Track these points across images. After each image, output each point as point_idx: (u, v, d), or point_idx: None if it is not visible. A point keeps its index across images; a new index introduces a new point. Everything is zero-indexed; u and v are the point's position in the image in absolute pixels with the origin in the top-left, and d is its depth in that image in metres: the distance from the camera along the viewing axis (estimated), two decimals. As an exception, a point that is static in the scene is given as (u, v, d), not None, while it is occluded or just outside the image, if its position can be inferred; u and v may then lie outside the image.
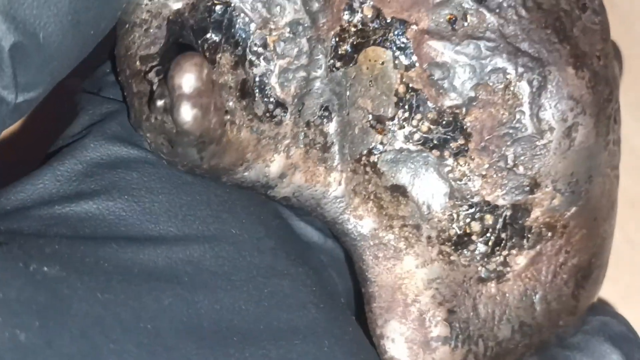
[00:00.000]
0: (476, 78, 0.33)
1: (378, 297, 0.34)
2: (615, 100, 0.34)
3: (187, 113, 0.29)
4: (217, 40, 0.33)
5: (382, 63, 0.33)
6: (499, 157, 0.33)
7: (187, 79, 0.29)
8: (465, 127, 0.33)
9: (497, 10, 0.32)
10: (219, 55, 0.33)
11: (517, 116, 0.32)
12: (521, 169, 0.33)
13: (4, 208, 0.30)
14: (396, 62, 0.33)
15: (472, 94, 0.33)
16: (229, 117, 0.32)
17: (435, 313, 0.34)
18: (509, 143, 0.33)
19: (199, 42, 0.33)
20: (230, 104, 0.33)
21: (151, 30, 0.32)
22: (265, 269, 0.32)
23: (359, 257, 0.34)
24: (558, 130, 0.33)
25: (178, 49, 0.32)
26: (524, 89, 0.32)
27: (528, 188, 0.33)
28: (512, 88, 0.32)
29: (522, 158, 0.33)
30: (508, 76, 0.32)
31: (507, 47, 0.32)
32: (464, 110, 0.33)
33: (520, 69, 0.32)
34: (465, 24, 0.33)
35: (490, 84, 0.32)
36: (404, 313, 0.34)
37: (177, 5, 0.33)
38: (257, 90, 0.33)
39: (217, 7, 0.33)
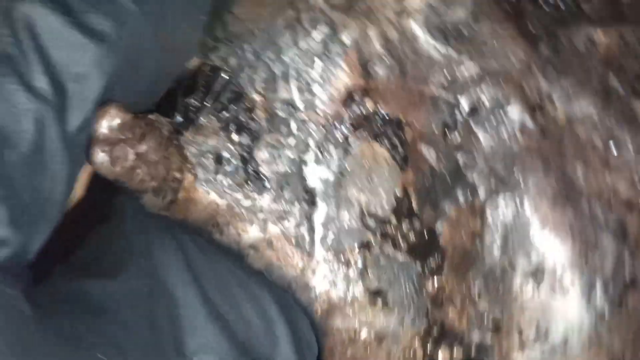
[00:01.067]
0: (449, 191, 0.31)
1: None
2: None
3: (95, 156, 0.30)
4: (204, 104, 0.33)
5: (387, 162, 0.32)
6: (465, 288, 0.31)
7: (97, 125, 0.29)
8: (440, 245, 0.31)
9: (489, 127, 0.31)
10: (202, 117, 0.33)
11: (479, 244, 0.31)
12: (484, 305, 0.31)
13: None
14: (396, 164, 0.32)
15: (445, 207, 0.31)
16: (188, 177, 0.32)
17: None
18: (471, 273, 0.31)
19: (184, 100, 0.33)
20: (203, 166, 0.32)
21: None
22: None
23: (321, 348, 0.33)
24: (522, 271, 0.30)
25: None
26: (487, 215, 0.30)
27: (492, 326, 0.31)
28: (477, 212, 0.31)
29: (484, 292, 0.31)
30: (476, 198, 0.31)
31: (483, 167, 0.31)
32: (438, 225, 0.31)
33: (487, 191, 0.31)
34: (454, 135, 0.31)
35: (460, 203, 0.31)
36: None
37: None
38: (238, 160, 0.33)
39: (217, 75, 0.33)
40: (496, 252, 0.30)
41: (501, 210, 0.30)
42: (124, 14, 0.28)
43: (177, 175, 0.32)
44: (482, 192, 0.30)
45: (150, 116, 0.32)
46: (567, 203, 0.30)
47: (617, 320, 0.30)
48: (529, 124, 0.30)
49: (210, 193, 0.33)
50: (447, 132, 0.31)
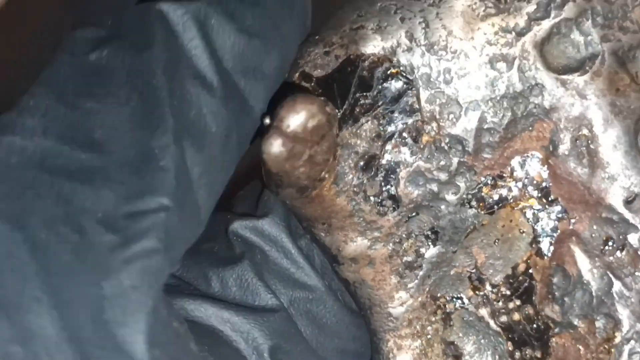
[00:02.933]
0: (588, 309, 0.30)
1: None
2: None
3: (272, 145, 0.28)
4: (375, 104, 0.30)
5: (522, 232, 0.30)
6: None
7: (292, 118, 0.27)
8: (549, 344, 0.30)
9: None
10: (367, 118, 0.30)
11: None
12: None
13: None
14: (535, 242, 0.30)
15: (575, 321, 0.30)
16: (330, 177, 0.30)
17: None
18: None
19: (356, 93, 0.30)
20: (345, 168, 0.30)
21: (329, 57, 0.30)
22: None
23: None
24: None
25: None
26: (622, 356, 0.29)
27: None
28: (612, 344, 0.29)
29: None
30: (617, 331, 0.29)
31: (637, 305, 0.29)
32: (557, 329, 0.30)
33: (634, 333, 0.29)
34: (618, 254, 0.29)
35: (597, 324, 0.29)
36: None
37: (370, 50, 0.30)
38: (381, 172, 0.30)
39: (399, 79, 0.30)
40: None
41: (637, 358, 0.28)
42: None
43: (326, 175, 0.30)
44: (626, 331, 0.28)
45: (328, 109, 0.29)
46: None
47: None
48: None
49: (341, 196, 0.30)
50: (609, 247, 0.29)
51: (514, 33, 0.30)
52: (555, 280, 0.30)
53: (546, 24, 0.30)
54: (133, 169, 0.25)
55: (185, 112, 0.26)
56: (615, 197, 0.29)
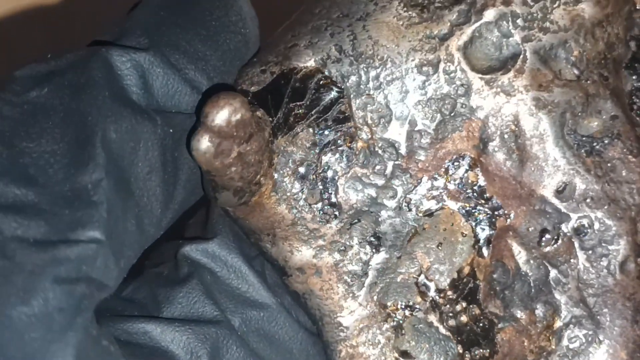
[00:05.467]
0: (527, 299, 0.30)
1: None
2: None
3: (199, 142, 0.28)
4: (308, 113, 0.31)
5: (464, 235, 0.31)
6: None
7: (216, 113, 0.28)
8: (495, 340, 0.30)
9: (591, 253, 0.30)
10: (302, 127, 0.31)
11: None
12: None
13: None
14: (476, 243, 0.31)
15: (517, 313, 0.30)
16: (268, 184, 0.31)
17: None
18: None
19: (289, 103, 0.31)
20: (283, 175, 0.31)
21: (264, 75, 0.31)
22: None
23: None
24: None
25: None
26: (563, 342, 0.29)
27: None
28: (551, 331, 0.30)
29: None
30: (556, 317, 0.30)
31: (573, 291, 0.30)
32: (501, 324, 0.30)
33: (572, 318, 0.29)
34: (551, 246, 0.30)
35: (537, 313, 0.30)
36: None
37: (302, 63, 0.31)
38: (319, 180, 0.31)
39: (330, 88, 0.31)
40: None
41: (578, 343, 0.29)
42: None
43: (262, 180, 0.30)
44: (565, 316, 0.29)
45: (258, 113, 0.30)
46: None
47: None
48: (631, 266, 0.29)
49: (281, 204, 0.31)
50: (545, 239, 0.30)
51: (437, 39, 0.31)
52: (495, 276, 0.30)
53: (468, 29, 0.31)
54: (66, 203, 0.26)
55: (119, 148, 0.27)
56: (546, 189, 0.30)
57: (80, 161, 0.27)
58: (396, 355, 0.31)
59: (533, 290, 0.30)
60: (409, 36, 0.31)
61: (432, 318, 0.31)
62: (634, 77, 0.32)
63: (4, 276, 0.25)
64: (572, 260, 0.30)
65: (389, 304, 0.31)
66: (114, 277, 0.27)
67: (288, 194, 0.31)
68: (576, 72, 0.31)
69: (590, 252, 0.29)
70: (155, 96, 0.29)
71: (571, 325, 0.29)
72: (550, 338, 0.29)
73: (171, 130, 0.29)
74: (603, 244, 0.29)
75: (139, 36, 0.30)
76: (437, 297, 0.31)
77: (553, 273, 0.30)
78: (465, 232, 0.31)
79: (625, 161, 0.30)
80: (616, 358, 0.29)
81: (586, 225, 0.30)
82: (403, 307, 0.31)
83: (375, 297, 0.31)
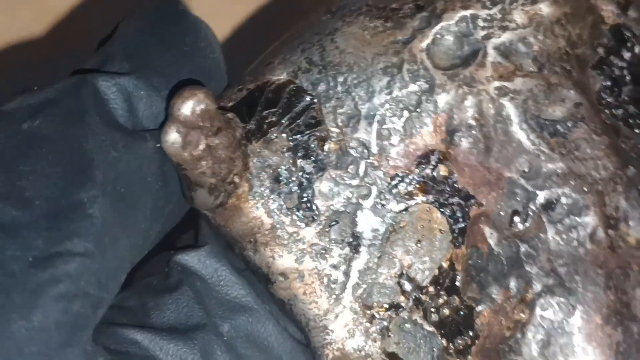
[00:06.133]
0: (501, 277, 0.31)
1: None
2: None
3: (166, 133, 0.30)
4: (281, 120, 0.32)
5: (441, 232, 0.32)
6: None
7: (182, 104, 0.29)
8: (475, 326, 0.31)
9: (560, 227, 0.31)
10: (275, 133, 0.32)
11: (519, 335, 0.30)
12: None
13: None
14: (454, 238, 0.32)
15: (492, 293, 0.31)
16: (244, 186, 0.32)
17: None
18: None
19: (262, 111, 0.33)
20: (259, 179, 0.32)
21: (241, 92, 0.33)
22: None
23: None
24: None
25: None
26: (536, 311, 0.30)
27: None
28: (526, 304, 0.30)
29: None
30: (529, 289, 0.30)
31: (544, 262, 0.30)
32: (479, 306, 0.31)
33: (544, 288, 0.30)
34: (522, 225, 0.31)
35: (511, 288, 0.30)
36: None
37: (275, 77, 0.33)
38: (295, 184, 0.32)
39: (302, 95, 0.33)
40: (534, 350, 0.29)
41: (552, 311, 0.29)
42: None
43: (236, 180, 0.31)
44: (537, 287, 0.30)
45: (229, 115, 0.31)
46: (618, 324, 0.29)
47: None
48: (601, 235, 0.30)
49: (259, 208, 0.32)
50: (515, 219, 0.31)
51: (400, 43, 0.32)
52: (471, 262, 0.31)
53: (429, 32, 0.32)
54: (62, 217, 0.28)
55: (114, 169, 0.29)
56: (513, 171, 0.31)
57: (77, 181, 0.28)
58: (383, 357, 0.32)
59: (506, 267, 0.30)
60: (374, 43, 0.32)
61: (416, 316, 0.32)
62: (601, 77, 0.33)
63: (6, 293, 0.26)
64: (541, 235, 0.30)
65: (373, 304, 0.32)
66: (109, 291, 0.28)
67: (265, 198, 0.32)
68: (537, 65, 0.32)
69: (559, 225, 0.30)
70: (140, 118, 0.31)
71: (544, 295, 0.30)
72: (525, 310, 0.30)
73: (157, 145, 0.31)
74: (572, 217, 0.30)
75: (121, 61, 0.32)
76: (419, 295, 0.32)
77: (524, 248, 0.30)
78: (443, 227, 0.32)
79: (590, 140, 0.31)
80: (591, 323, 0.29)
81: (554, 201, 0.30)
82: (387, 307, 0.32)
83: (359, 299, 0.32)
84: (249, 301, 0.33)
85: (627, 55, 0.33)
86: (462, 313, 0.31)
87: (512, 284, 0.30)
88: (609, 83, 0.33)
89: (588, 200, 0.30)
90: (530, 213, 0.31)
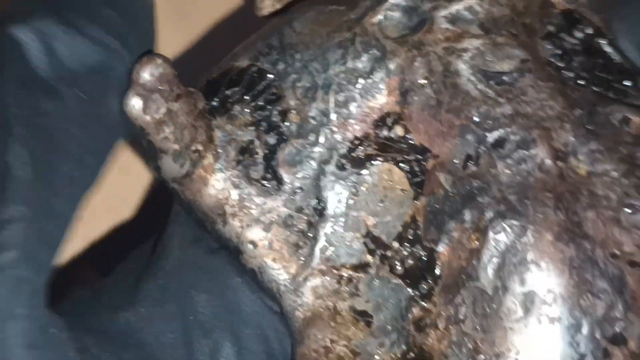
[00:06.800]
0: (457, 214, 0.31)
1: None
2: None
3: (128, 97, 0.31)
4: (243, 97, 0.34)
5: (403, 191, 0.33)
6: (453, 308, 0.30)
7: (141, 69, 0.31)
8: (436, 267, 0.31)
9: (510, 161, 0.31)
10: (238, 109, 0.34)
11: (475, 262, 0.30)
12: (468, 327, 0.30)
13: None
14: (412, 191, 0.32)
15: (450, 230, 0.31)
16: (210, 157, 0.33)
17: None
18: (462, 292, 0.30)
19: (225, 91, 0.34)
20: (225, 152, 0.33)
21: (205, 78, 0.35)
22: None
23: (293, 355, 0.33)
24: (512, 294, 0.30)
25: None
26: (489, 236, 0.30)
27: (471, 353, 0.30)
28: (480, 232, 0.30)
29: (470, 313, 0.30)
30: (482, 218, 0.31)
31: (496, 192, 0.31)
32: (439, 247, 0.31)
33: (495, 214, 0.30)
34: (475, 167, 0.32)
35: (465, 222, 0.31)
36: None
37: (238, 64, 0.35)
38: (260, 156, 0.33)
39: (262, 74, 0.34)
40: (491, 273, 0.30)
41: (504, 233, 0.30)
42: None
43: (200, 148, 0.33)
44: (489, 214, 0.30)
45: (191, 89, 0.33)
46: (570, 241, 0.29)
47: None
48: (550, 166, 0.31)
49: (226, 180, 0.33)
50: (469, 163, 0.31)
51: (353, 20, 0.34)
52: (429, 208, 0.32)
53: (380, 8, 0.34)
54: None
55: (36, 122, 0.29)
56: (463, 119, 0.32)
57: (1, 138, 0.28)
58: (353, 314, 0.32)
59: (460, 204, 0.31)
60: (328, 24, 0.34)
61: (383, 272, 0.32)
62: (551, 47, 0.34)
63: None
64: (492, 170, 0.31)
65: (340, 266, 0.33)
66: (51, 251, 0.28)
67: (231, 169, 0.33)
68: (484, 29, 0.33)
69: (509, 160, 0.31)
70: (61, 59, 0.31)
71: (495, 220, 0.30)
72: (479, 237, 0.30)
73: (82, 94, 0.31)
74: (520, 151, 0.31)
75: (36, 3, 0.32)
76: (385, 252, 0.32)
77: (476, 184, 0.31)
78: (403, 185, 0.32)
79: (535, 86, 0.32)
80: (542, 240, 0.29)
81: (503, 139, 0.31)
82: (355, 267, 0.32)
83: (326, 261, 0.33)
84: (224, 275, 0.34)
85: (579, 34, 0.35)
86: (424, 259, 0.31)
87: (467, 216, 0.31)
88: (559, 52, 0.34)
89: (535, 134, 0.31)
90: (482, 153, 0.31)
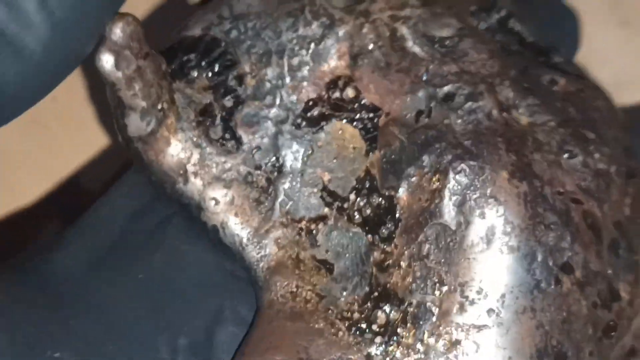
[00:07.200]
0: (415, 160, 0.33)
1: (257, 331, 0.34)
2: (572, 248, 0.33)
3: (101, 52, 0.32)
4: (200, 64, 0.36)
5: (354, 148, 0.35)
6: (415, 246, 0.33)
7: (114, 27, 0.32)
8: (396, 211, 0.33)
9: (461, 113, 0.34)
10: (195, 73, 0.36)
11: (437, 201, 0.32)
12: (432, 262, 0.32)
13: None
14: (365, 147, 0.35)
15: (409, 176, 0.33)
16: (172, 118, 0.34)
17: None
18: (425, 230, 0.32)
19: (182, 57, 0.36)
20: (186, 114, 0.35)
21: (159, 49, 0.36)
22: None
23: (260, 303, 0.34)
24: (475, 227, 0.32)
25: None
26: (450, 176, 0.32)
27: (436, 285, 0.32)
28: (440, 173, 0.33)
29: (434, 248, 0.32)
30: (441, 161, 0.33)
31: (451, 139, 0.33)
32: (399, 192, 0.33)
33: (454, 157, 0.33)
34: (428, 119, 0.34)
35: (424, 167, 0.33)
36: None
37: (191, 33, 0.36)
38: (219, 119, 0.35)
39: (217, 43, 0.36)
40: (453, 209, 0.32)
41: (464, 173, 0.32)
42: None
43: (165, 106, 0.34)
44: (447, 157, 0.33)
45: (152, 50, 0.34)
46: (523, 179, 0.32)
47: (551, 296, 0.32)
48: (497, 116, 0.34)
49: (188, 141, 0.35)
50: (421, 116, 0.34)
51: None
52: (385, 159, 0.34)
53: None
54: None
55: None
56: (412, 77, 0.35)
57: None
58: (315, 263, 0.34)
59: (418, 151, 0.33)
60: None
61: (341, 222, 0.34)
62: (476, 22, 0.37)
63: None
64: (445, 121, 0.33)
65: (300, 219, 0.35)
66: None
67: (192, 130, 0.35)
68: (421, 2, 0.36)
69: (460, 111, 0.33)
70: None
71: (454, 162, 0.32)
72: (439, 178, 0.33)
73: None
74: (469, 103, 0.34)
75: None
76: (341, 204, 0.34)
77: (431, 133, 0.33)
78: (357, 143, 0.35)
79: (475, 48, 0.35)
80: (499, 177, 0.32)
81: (452, 93, 0.34)
82: (314, 219, 0.34)
83: (286, 214, 0.35)
84: (175, 243, 0.35)
85: (495, 15, 0.38)
86: (383, 205, 0.34)
87: (426, 161, 0.33)
88: (484, 27, 0.37)
89: (481, 88, 0.34)
90: (433, 107, 0.34)
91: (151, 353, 0.34)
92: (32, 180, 0.44)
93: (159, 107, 0.34)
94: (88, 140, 0.45)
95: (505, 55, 0.36)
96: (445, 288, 0.32)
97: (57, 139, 0.43)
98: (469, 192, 0.32)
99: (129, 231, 0.36)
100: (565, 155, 0.33)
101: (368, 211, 0.34)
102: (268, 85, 0.35)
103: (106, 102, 0.34)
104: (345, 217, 0.34)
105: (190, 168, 0.35)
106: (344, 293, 0.33)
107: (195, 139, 0.35)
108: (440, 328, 0.32)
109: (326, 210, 0.34)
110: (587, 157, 0.34)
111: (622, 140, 0.36)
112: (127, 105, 0.33)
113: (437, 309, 0.32)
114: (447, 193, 0.32)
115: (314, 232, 0.34)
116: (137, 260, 0.35)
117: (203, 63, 0.36)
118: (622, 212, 0.34)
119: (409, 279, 0.32)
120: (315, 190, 0.35)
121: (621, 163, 0.35)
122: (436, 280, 0.32)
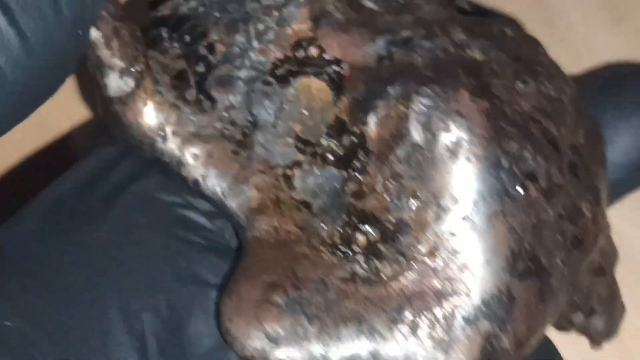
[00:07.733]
0: (382, 95, 0.36)
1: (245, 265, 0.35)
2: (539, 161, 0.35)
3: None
4: (172, 36, 0.38)
5: (322, 100, 0.37)
6: (388, 168, 0.35)
7: None
8: (367, 144, 0.35)
9: (419, 52, 0.36)
10: (168, 44, 0.38)
11: (407, 125, 0.34)
12: (405, 179, 0.34)
13: None
14: (335, 97, 0.37)
15: (375, 106, 0.35)
16: (148, 80, 0.37)
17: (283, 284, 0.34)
18: (396, 151, 0.35)
19: (153, 30, 0.39)
20: (161, 79, 0.37)
21: None
22: None
23: (244, 243, 0.36)
24: (441, 140, 0.34)
25: None
26: (416, 99, 0.35)
27: (410, 200, 0.34)
28: (406, 99, 0.35)
29: (406, 167, 0.34)
30: (406, 90, 0.35)
31: (413, 72, 0.36)
32: (368, 126, 0.35)
33: (419, 84, 0.35)
34: (390, 61, 0.36)
35: (390, 97, 0.35)
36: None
37: (160, 13, 0.39)
38: (192, 82, 0.37)
39: (185, 17, 0.39)
40: (421, 128, 0.34)
41: (428, 96, 0.34)
42: None
43: (142, 68, 0.36)
44: (412, 85, 0.35)
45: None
46: (484, 97, 0.34)
47: (520, 202, 0.34)
48: (453, 50, 0.36)
49: (165, 102, 0.37)
50: (383, 60, 0.36)
51: None
52: (353, 101, 0.36)
53: None
54: None
55: None
56: (372, 31, 0.37)
57: None
58: (294, 202, 0.36)
59: (382, 86, 0.35)
60: None
61: (316, 165, 0.36)
62: None
63: None
64: (406, 59, 0.36)
65: (276, 165, 0.37)
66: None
67: (169, 93, 0.37)
68: None
69: (418, 49, 0.36)
70: None
71: (420, 88, 0.35)
72: (407, 105, 0.35)
73: None
74: (427, 41, 0.36)
75: None
76: (314, 149, 0.36)
77: (394, 69, 0.36)
78: (324, 95, 0.37)
79: (426, 2, 0.39)
80: (461, 95, 0.34)
81: (410, 37, 0.36)
82: (290, 165, 0.36)
83: (263, 162, 0.37)
84: (131, 213, 0.37)
85: None
86: (354, 142, 0.36)
87: (391, 92, 0.35)
88: None
89: (436, 30, 0.37)
90: (394, 51, 0.37)
91: (103, 317, 0.33)
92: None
93: (137, 68, 0.36)
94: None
95: (453, 8, 0.39)
96: (420, 201, 0.34)
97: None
98: (434, 110, 0.34)
99: (81, 198, 0.37)
100: (520, 84, 0.36)
101: (340, 151, 0.36)
102: (237, 50, 0.38)
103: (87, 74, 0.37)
104: (319, 159, 0.36)
105: (168, 128, 0.36)
106: (324, 224, 0.35)
107: (172, 100, 0.37)
108: (419, 238, 0.33)
109: (300, 156, 0.36)
110: (540, 85, 0.36)
111: (571, 87, 0.39)
112: (105, 64, 0.35)
113: (415, 222, 0.34)
114: (413, 115, 0.34)
115: (291, 176, 0.36)
116: (89, 226, 0.36)
117: (174, 34, 0.38)
118: (578, 139, 0.37)
119: (385, 200, 0.34)
120: (289, 140, 0.37)
121: (572, 97, 0.37)
122: (411, 195, 0.34)
